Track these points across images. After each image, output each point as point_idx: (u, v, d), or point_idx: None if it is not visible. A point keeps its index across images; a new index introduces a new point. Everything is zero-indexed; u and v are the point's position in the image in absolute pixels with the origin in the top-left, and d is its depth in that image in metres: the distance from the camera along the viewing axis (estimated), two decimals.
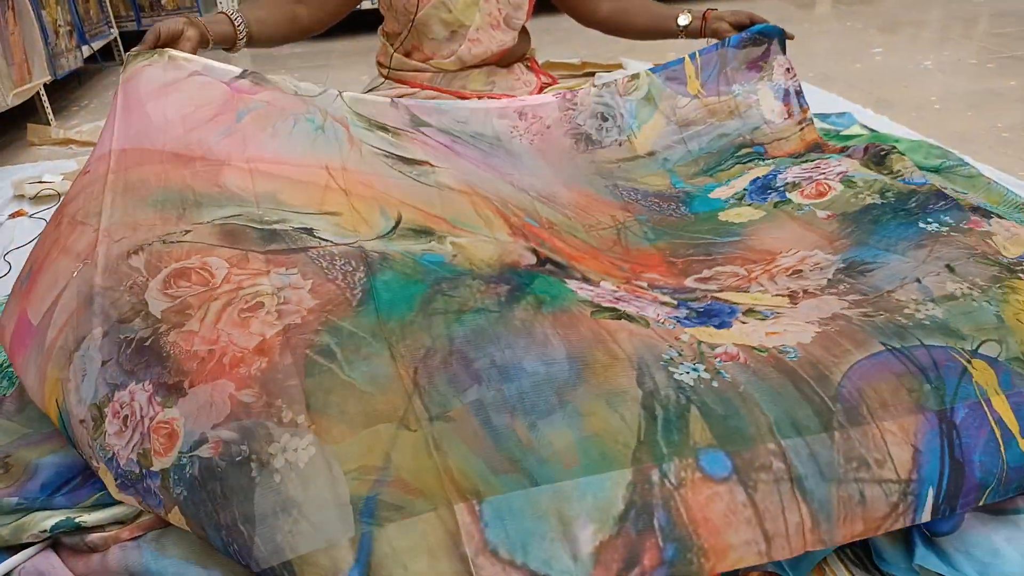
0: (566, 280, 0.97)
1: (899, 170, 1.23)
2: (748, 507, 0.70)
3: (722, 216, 1.23)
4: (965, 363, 0.82)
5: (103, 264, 0.92)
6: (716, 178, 1.36)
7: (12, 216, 1.93)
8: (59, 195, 2.01)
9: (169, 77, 1.15)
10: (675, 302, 0.97)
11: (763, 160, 1.37)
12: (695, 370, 0.78)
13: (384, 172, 1.15)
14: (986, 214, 1.07)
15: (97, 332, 0.86)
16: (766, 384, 0.77)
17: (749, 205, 1.24)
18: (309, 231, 0.98)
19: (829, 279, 1.00)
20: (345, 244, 0.97)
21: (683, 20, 1.53)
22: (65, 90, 3.19)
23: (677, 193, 1.33)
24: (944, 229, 1.04)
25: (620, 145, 1.37)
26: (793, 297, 0.97)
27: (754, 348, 0.82)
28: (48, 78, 2.72)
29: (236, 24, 1.32)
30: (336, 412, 0.74)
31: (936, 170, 1.59)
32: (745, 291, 1.01)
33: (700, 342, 0.82)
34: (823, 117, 2.06)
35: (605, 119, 1.39)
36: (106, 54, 3.66)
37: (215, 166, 1.06)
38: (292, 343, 0.80)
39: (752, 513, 0.70)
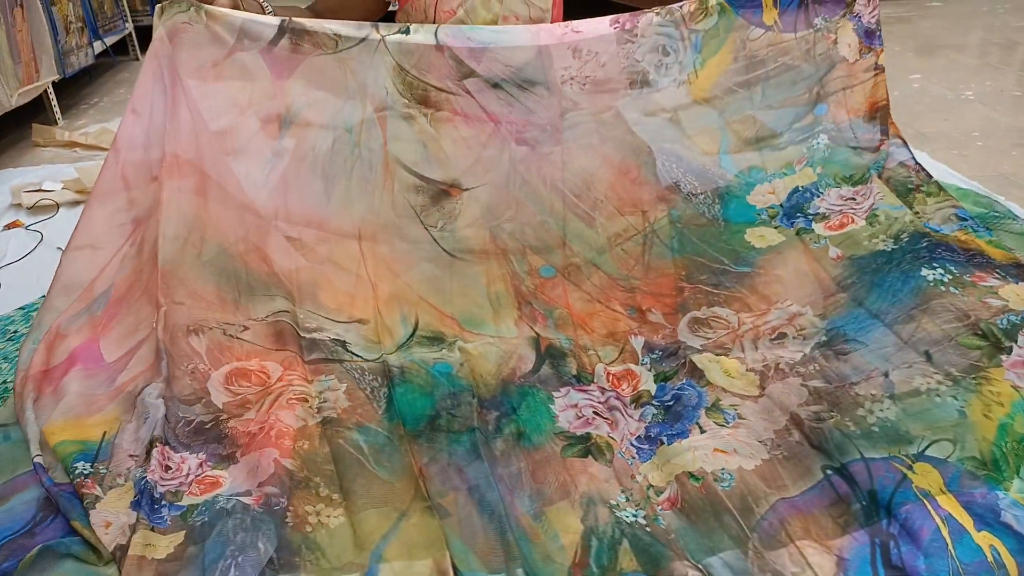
0: (555, 395, 1.10)
1: (919, 212, 1.24)
2: None
3: (748, 234, 1.26)
4: (905, 470, 0.88)
5: (167, 325, 1.09)
6: (763, 159, 1.29)
7: (8, 227, 1.85)
8: (57, 205, 1.93)
9: (211, 55, 1.17)
10: (652, 391, 1.10)
11: (819, 132, 1.29)
12: (635, 516, 0.91)
13: (409, 237, 1.24)
14: (1010, 274, 1.08)
15: (161, 387, 1.03)
16: (691, 525, 0.89)
17: (776, 228, 1.26)
18: (343, 344, 1.15)
19: (805, 354, 1.09)
20: (372, 360, 1.14)
21: None
22: (75, 86, 3.12)
23: (718, 177, 1.28)
24: (947, 278, 1.09)
25: (678, 86, 1.27)
26: (763, 379, 1.07)
27: (692, 475, 0.95)
28: (56, 77, 2.65)
29: (266, 11, 1.29)
30: (363, 493, 0.93)
31: (983, 221, 1.49)
32: (726, 354, 1.12)
33: (650, 486, 0.95)
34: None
35: (666, 53, 1.27)
36: (120, 49, 3.59)
37: (263, 228, 1.19)
38: (329, 434, 1.00)
39: None
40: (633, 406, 1.08)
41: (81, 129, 2.60)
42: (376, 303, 1.20)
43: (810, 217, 1.26)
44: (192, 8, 1.15)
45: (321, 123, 1.22)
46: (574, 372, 1.13)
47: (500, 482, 0.95)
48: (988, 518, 0.82)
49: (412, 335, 1.18)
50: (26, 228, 1.84)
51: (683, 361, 1.12)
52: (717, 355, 1.13)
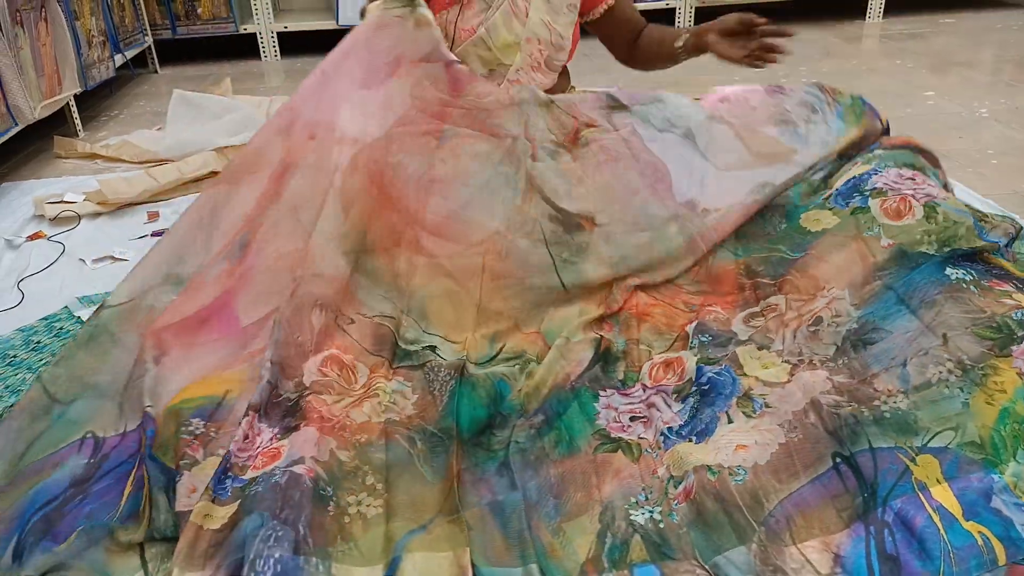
0: (600, 394, 1.14)
1: (986, 220, 1.18)
2: None
3: (803, 220, 1.27)
4: (908, 462, 0.92)
5: (296, 292, 1.16)
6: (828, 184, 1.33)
7: (30, 238, 1.88)
8: (79, 217, 1.96)
9: (405, 52, 1.26)
10: (692, 377, 1.13)
11: (874, 147, 1.32)
12: (650, 512, 0.95)
13: (532, 262, 1.26)
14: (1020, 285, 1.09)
15: (271, 351, 1.11)
16: (701, 520, 0.93)
17: (831, 209, 1.25)
18: (433, 348, 1.20)
19: (837, 345, 1.11)
20: (454, 359, 1.20)
21: (679, 42, 1.45)
22: (96, 98, 3.16)
23: (796, 165, 1.32)
24: (967, 278, 1.09)
25: (825, 146, 1.31)
26: (795, 369, 1.11)
27: (710, 469, 0.97)
28: (79, 89, 2.69)
29: None
30: (405, 488, 1.00)
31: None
32: (767, 347, 1.15)
33: (671, 477, 0.99)
34: None
35: (815, 111, 1.32)
36: (139, 62, 3.64)
37: (402, 228, 1.25)
38: (389, 431, 1.07)
39: None
40: (674, 397, 1.11)
41: (102, 141, 2.63)
42: (475, 329, 1.23)
43: (866, 194, 1.22)
44: (409, 6, 1.26)
45: (476, 139, 1.29)
46: (621, 377, 1.16)
47: (525, 500, 0.98)
48: (978, 506, 0.86)
49: (495, 357, 1.21)
50: (48, 239, 1.87)
51: (728, 354, 1.15)
52: (759, 348, 1.15)
